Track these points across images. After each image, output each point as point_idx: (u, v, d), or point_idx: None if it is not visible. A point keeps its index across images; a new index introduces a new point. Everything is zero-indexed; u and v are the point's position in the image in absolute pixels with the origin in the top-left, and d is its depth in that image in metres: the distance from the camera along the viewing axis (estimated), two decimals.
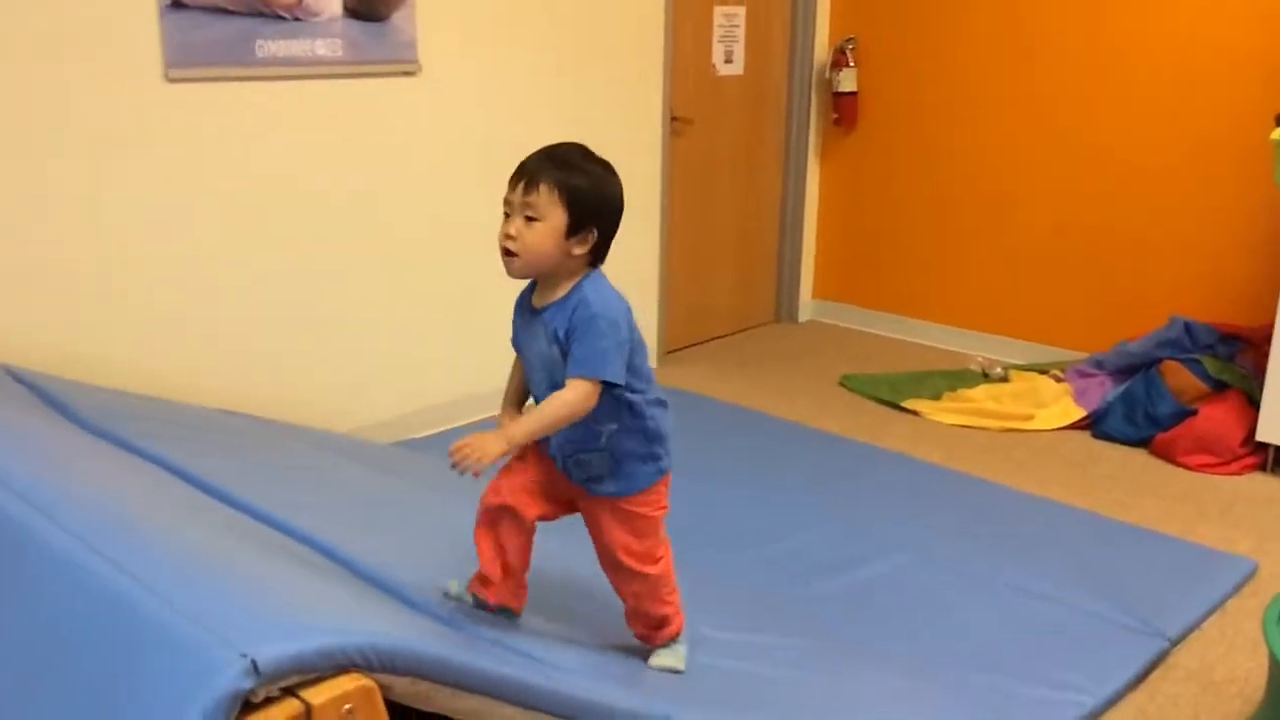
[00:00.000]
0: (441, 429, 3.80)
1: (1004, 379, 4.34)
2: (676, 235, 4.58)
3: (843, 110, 4.93)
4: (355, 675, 1.17)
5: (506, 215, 1.82)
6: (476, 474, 1.72)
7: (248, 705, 1.09)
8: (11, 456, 1.55)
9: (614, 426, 1.85)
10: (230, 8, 3.14)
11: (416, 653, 1.24)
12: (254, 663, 1.09)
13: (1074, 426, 3.95)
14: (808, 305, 5.34)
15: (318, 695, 1.13)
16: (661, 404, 1.93)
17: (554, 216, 1.78)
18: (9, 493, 1.40)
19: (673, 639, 2.05)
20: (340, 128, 3.43)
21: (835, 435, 3.83)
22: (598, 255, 1.86)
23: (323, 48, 3.36)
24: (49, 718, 1.16)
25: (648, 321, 4.54)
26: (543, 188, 1.78)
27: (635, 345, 1.86)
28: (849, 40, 4.85)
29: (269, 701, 1.11)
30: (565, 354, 1.79)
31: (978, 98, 4.62)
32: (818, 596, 2.69)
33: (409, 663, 1.22)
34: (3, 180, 2.79)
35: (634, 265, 4.43)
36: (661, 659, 2.03)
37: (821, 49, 4.99)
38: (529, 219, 1.78)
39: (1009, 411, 4.02)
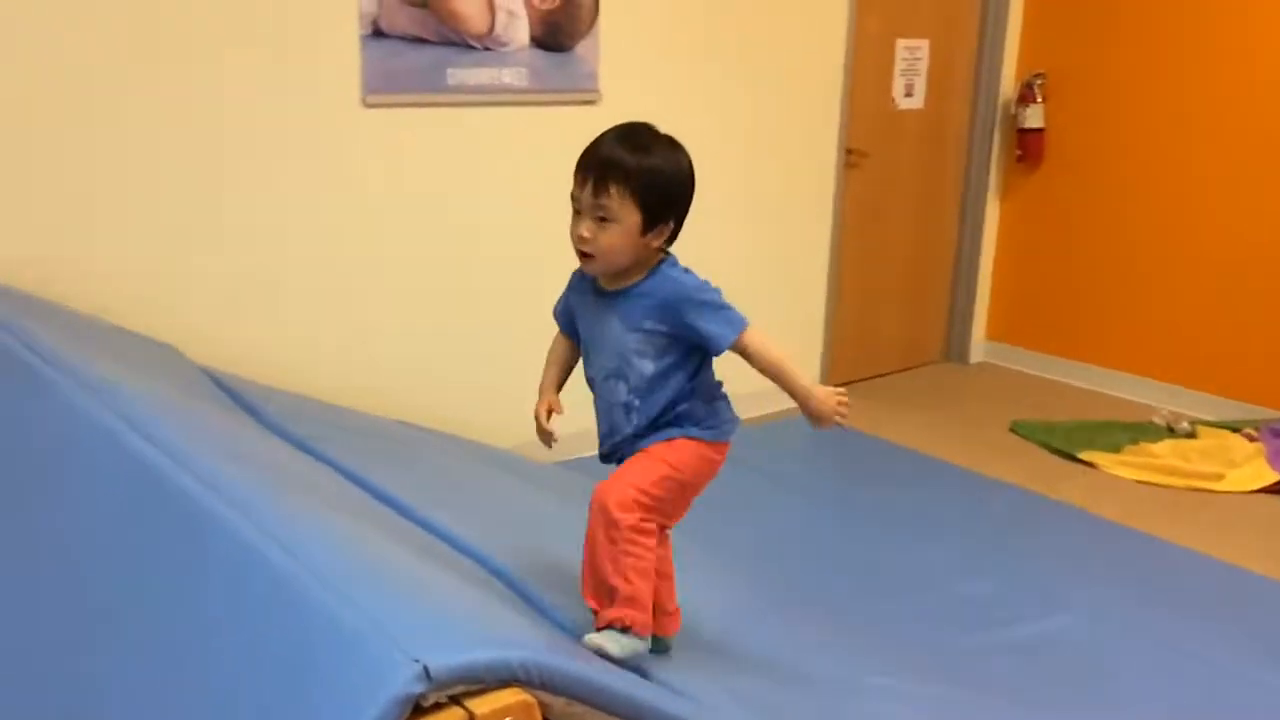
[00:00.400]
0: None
1: (1191, 434, 4.10)
2: (846, 268, 4.53)
3: (1027, 147, 4.78)
4: (517, 689, 1.19)
5: (577, 212, 1.73)
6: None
7: (417, 709, 1.12)
8: (209, 452, 1.65)
9: (674, 395, 1.80)
10: (426, 37, 3.29)
11: (575, 674, 1.25)
12: (426, 669, 1.12)
13: (1268, 490, 3.69)
14: (980, 346, 5.18)
15: (482, 705, 1.15)
16: (719, 384, 1.90)
17: (628, 217, 1.70)
18: (204, 485, 1.49)
19: (619, 628, 1.72)
20: (523, 152, 3.54)
21: (1003, 483, 3.70)
22: (673, 235, 1.80)
23: (509, 76, 3.47)
24: (225, 693, 1.22)
25: (811, 354, 4.49)
26: (613, 190, 1.68)
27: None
28: (1037, 75, 4.71)
29: (436, 708, 1.14)
30: (671, 335, 1.77)
31: (1169, 137, 4.40)
32: (978, 650, 2.59)
33: (568, 683, 1.24)
34: (210, 199, 2.99)
35: (800, 296, 4.40)
36: (595, 639, 1.70)
37: (1008, 84, 4.86)
38: (601, 219, 1.70)
39: (1196, 470, 3.79)
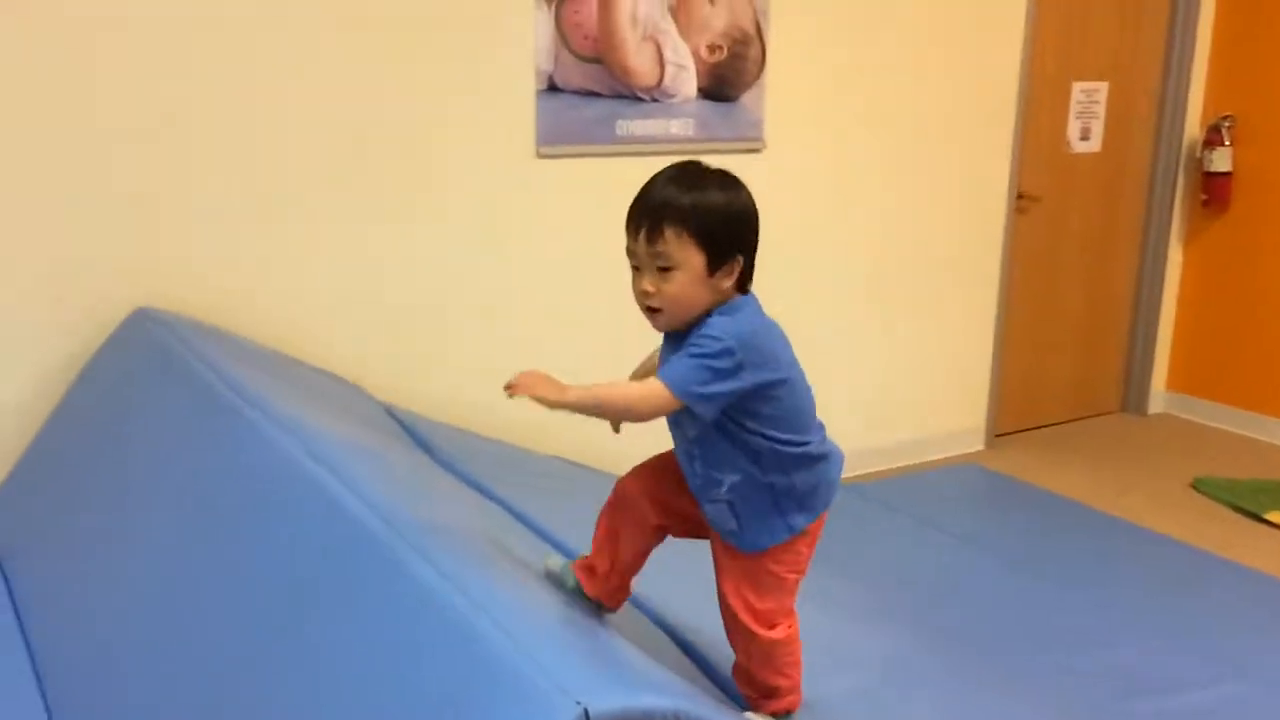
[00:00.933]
0: None
1: None
2: (1015, 313, 4.43)
3: (1214, 191, 4.58)
4: None
5: (636, 269, 1.59)
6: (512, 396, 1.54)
7: None
8: (394, 493, 1.77)
9: (735, 478, 1.63)
10: (598, 90, 3.42)
11: None
12: (586, 712, 1.18)
13: None
14: (1159, 396, 4.96)
15: None
16: (812, 460, 1.68)
17: (691, 261, 1.55)
18: (381, 520, 1.60)
19: (782, 714, 1.75)
20: None
21: (1180, 543, 3.53)
22: (745, 278, 1.63)
23: (676, 127, 3.57)
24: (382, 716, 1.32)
25: (975, 400, 4.40)
26: (669, 233, 1.54)
27: (779, 383, 1.61)
28: (1225, 118, 4.51)
29: None
30: None
31: None
32: (1145, 714, 2.49)
33: None
34: (392, 239, 3.19)
35: (966, 341, 4.33)
36: None
37: (1193, 126, 4.67)
38: (663, 269, 1.55)
39: None
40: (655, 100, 3.51)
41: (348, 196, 3.10)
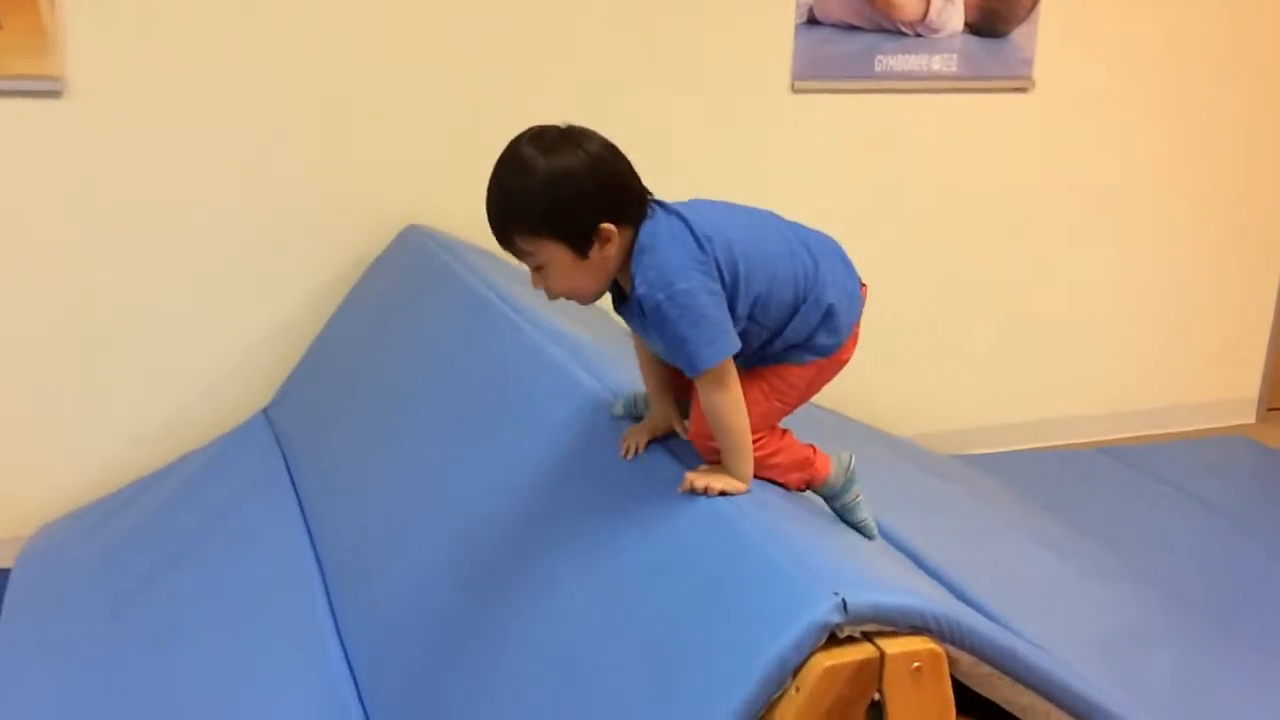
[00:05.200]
0: (997, 449, 3.71)
1: None
2: None
3: None
4: (927, 639, 1.22)
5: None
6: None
7: (832, 638, 1.19)
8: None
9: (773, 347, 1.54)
10: (859, 24, 3.33)
11: (987, 636, 1.26)
12: (844, 602, 1.18)
13: None
14: None
15: (892, 646, 1.20)
16: (822, 308, 1.53)
17: (556, 256, 1.43)
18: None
19: (820, 484, 1.61)
20: (949, 140, 3.49)
21: None
22: (631, 216, 1.46)
23: (939, 63, 3.44)
24: (658, 605, 1.36)
25: (1249, 370, 4.05)
26: (517, 239, 1.43)
27: (746, 274, 1.47)
28: None
29: (849, 641, 1.20)
30: None
31: None
32: None
33: (978, 643, 1.25)
34: (644, 173, 3.23)
35: (1244, 305, 3.99)
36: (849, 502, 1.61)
37: None
38: (539, 269, 1.46)
39: None
40: (918, 35, 3.39)
41: (600, 129, 3.15)
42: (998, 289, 3.66)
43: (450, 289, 2.54)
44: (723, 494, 1.44)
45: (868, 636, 1.20)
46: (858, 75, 3.36)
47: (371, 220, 3.01)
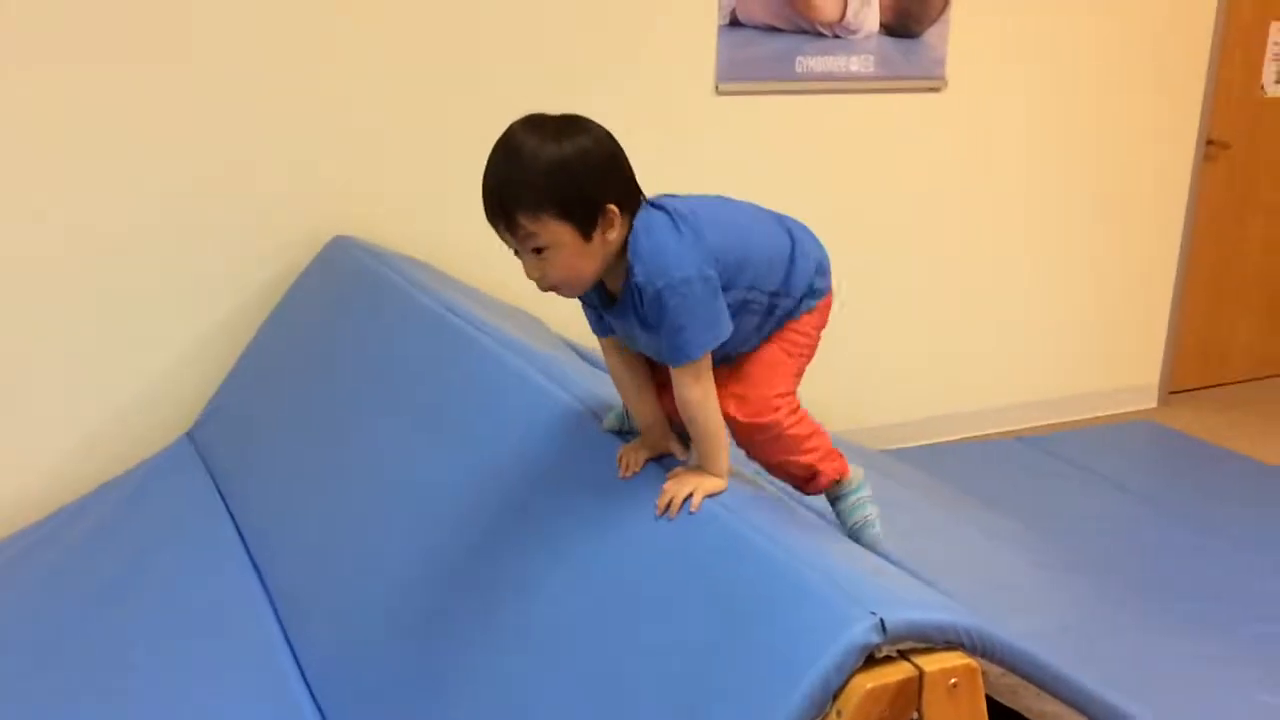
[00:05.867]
0: (915, 443, 3.78)
1: None
2: (1197, 265, 4.23)
3: None
4: (961, 653, 1.22)
5: (516, 253, 1.47)
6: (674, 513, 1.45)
7: (869, 659, 1.18)
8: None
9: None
10: (779, 25, 3.35)
11: (1018, 647, 1.27)
12: (882, 621, 1.17)
13: None
14: None
15: (930, 664, 1.19)
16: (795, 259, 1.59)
17: (561, 238, 1.41)
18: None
19: (834, 483, 1.66)
20: (866, 139, 3.54)
21: None
22: (631, 203, 1.47)
23: (856, 64, 3.49)
24: (682, 630, 1.32)
25: (1150, 356, 4.24)
26: (522, 219, 1.40)
27: (740, 253, 1.51)
28: None
29: (887, 660, 1.19)
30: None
31: None
32: None
33: (1008, 654, 1.26)
34: None
35: (1144, 293, 4.16)
36: (854, 508, 1.66)
37: None
38: (539, 250, 1.43)
39: None
40: (836, 36, 3.43)
41: None
42: (910, 286, 3.73)
43: (391, 301, 2.46)
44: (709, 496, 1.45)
45: (903, 654, 1.19)
46: (780, 76, 3.38)
47: (294, 232, 2.89)
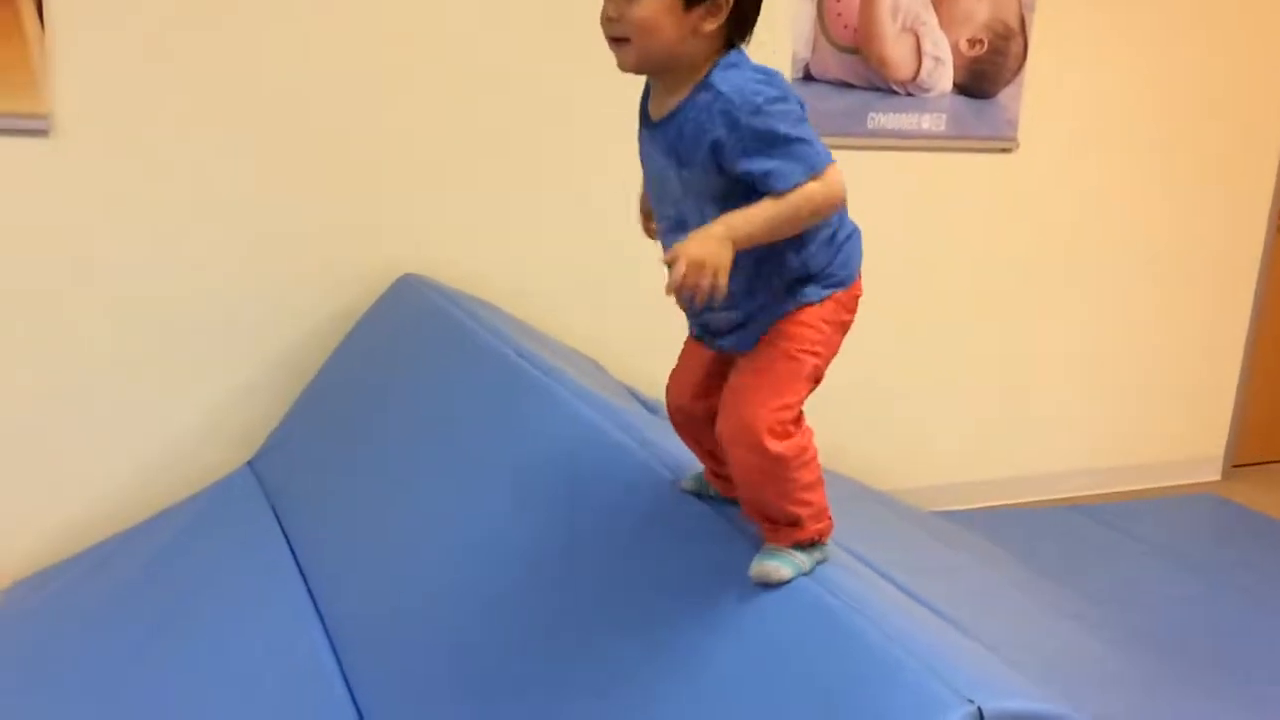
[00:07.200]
0: (969, 505, 3.72)
1: None
2: (1265, 338, 4.15)
3: None
4: None
5: None
6: (703, 298, 1.27)
7: None
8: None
9: (789, 258, 1.39)
10: (853, 82, 3.35)
11: None
12: (980, 710, 1.13)
13: None
14: None
15: None
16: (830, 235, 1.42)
17: None
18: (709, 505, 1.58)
19: (808, 544, 1.42)
20: (935, 197, 3.52)
21: None
22: (739, 29, 1.35)
23: (928, 122, 3.47)
24: (769, 712, 1.29)
25: (1216, 427, 4.15)
26: None
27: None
28: None
29: None
30: (723, 176, 1.32)
31: None
32: None
33: None
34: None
35: (1210, 363, 4.09)
36: (767, 566, 1.39)
37: None
38: None
39: None
40: (909, 94, 3.42)
41: (593, 180, 3.09)
42: (971, 347, 3.69)
43: (458, 342, 2.46)
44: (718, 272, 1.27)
45: None
46: (851, 132, 3.38)
47: (362, 268, 2.91)
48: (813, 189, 1.31)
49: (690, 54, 1.33)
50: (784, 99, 1.31)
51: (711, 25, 1.32)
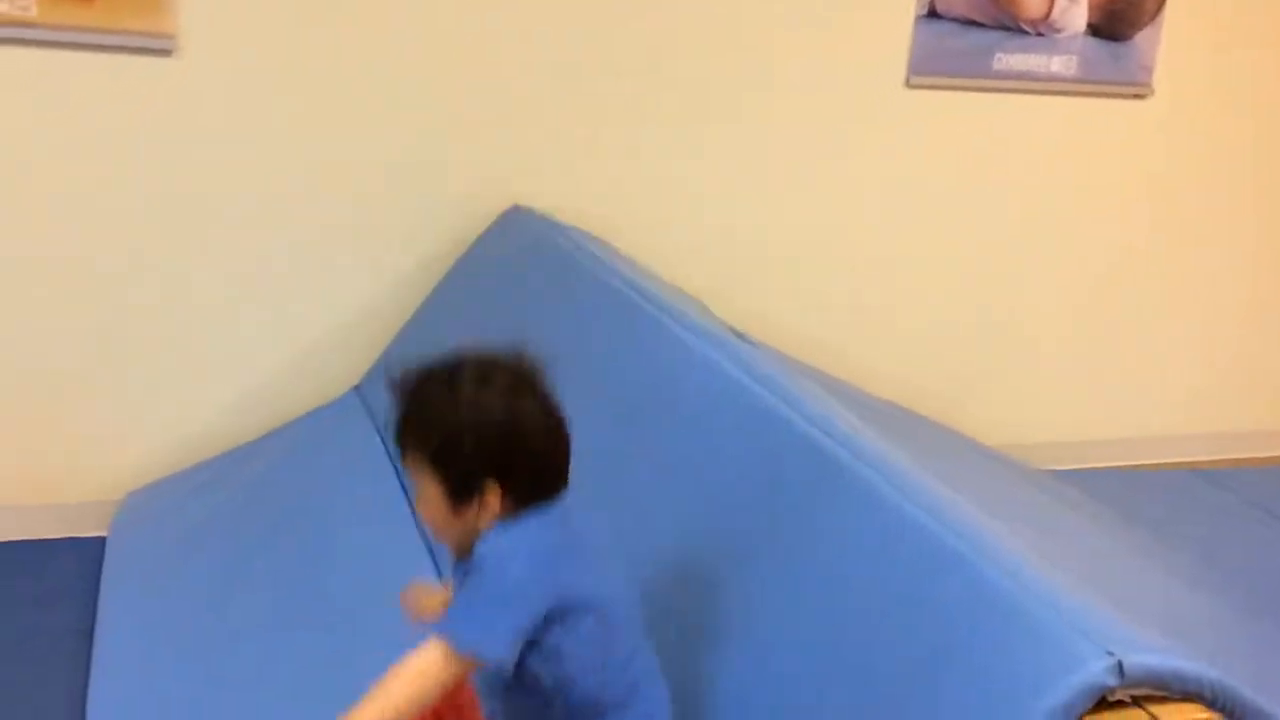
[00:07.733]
0: (1080, 465, 3.60)
1: None
2: None
3: None
4: (1199, 707, 1.13)
5: None
6: None
7: (1101, 702, 1.09)
8: (819, 405, 1.70)
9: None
10: (980, 20, 3.21)
11: (1258, 707, 1.16)
12: (1120, 664, 1.08)
13: None
14: None
15: (1167, 714, 1.10)
16: (623, 709, 1.31)
17: (428, 490, 1.27)
18: (838, 444, 1.53)
19: None
20: (1062, 144, 3.38)
21: None
22: (531, 497, 1.27)
23: (1058, 64, 3.32)
24: (883, 658, 1.26)
25: None
26: (407, 455, 1.30)
27: (579, 608, 1.26)
28: None
29: (1119, 705, 1.10)
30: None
31: None
32: None
33: (1249, 714, 1.15)
34: (746, 161, 3.10)
35: None
36: None
37: None
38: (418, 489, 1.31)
39: None
40: (1040, 34, 3.27)
41: (703, 117, 3.04)
42: (1098, 299, 3.55)
43: (569, 275, 2.44)
44: None
45: (1136, 701, 1.11)
46: (976, 73, 3.25)
47: (472, 199, 2.89)
48: (414, 667, 1.21)
49: (479, 530, 1.28)
50: (502, 568, 1.23)
51: (487, 517, 1.27)
